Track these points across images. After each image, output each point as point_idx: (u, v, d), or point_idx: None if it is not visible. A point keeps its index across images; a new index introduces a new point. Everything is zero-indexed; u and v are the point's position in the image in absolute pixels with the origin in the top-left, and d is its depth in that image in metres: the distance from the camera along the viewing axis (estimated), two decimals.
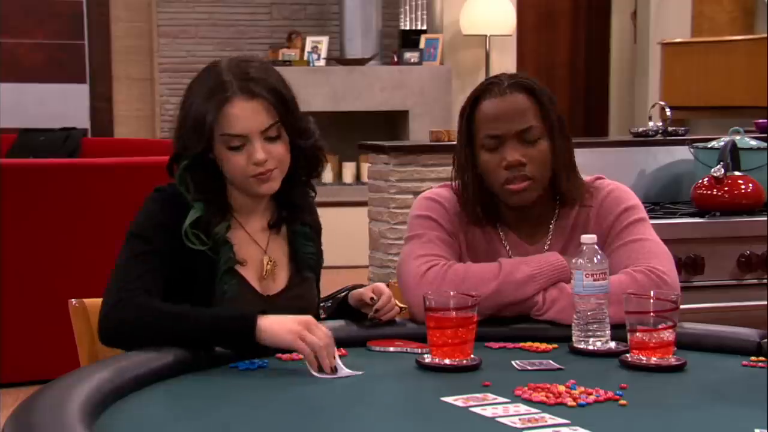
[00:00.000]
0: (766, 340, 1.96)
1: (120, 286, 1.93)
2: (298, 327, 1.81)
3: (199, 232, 1.99)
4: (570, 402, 1.60)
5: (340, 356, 1.82)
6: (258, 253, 2.09)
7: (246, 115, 1.99)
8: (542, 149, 2.15)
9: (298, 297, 2.10)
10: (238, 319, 1.86)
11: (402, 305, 2.12)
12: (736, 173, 3.53)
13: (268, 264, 2.09)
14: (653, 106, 4.92)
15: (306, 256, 2.14)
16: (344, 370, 1.79)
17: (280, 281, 2.10)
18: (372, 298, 2.06)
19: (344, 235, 6.43)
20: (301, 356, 1.84)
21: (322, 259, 2.20)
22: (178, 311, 1.89)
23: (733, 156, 3.57)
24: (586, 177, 2.25)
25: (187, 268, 1.99)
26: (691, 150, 3.80)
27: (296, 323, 1.82)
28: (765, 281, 3.42)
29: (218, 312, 1.92)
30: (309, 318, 1.85)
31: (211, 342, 1.86)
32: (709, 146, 3.75)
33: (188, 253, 1.99)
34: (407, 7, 8.14)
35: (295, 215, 2.14)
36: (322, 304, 2.19)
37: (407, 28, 8.17)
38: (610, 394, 1.65)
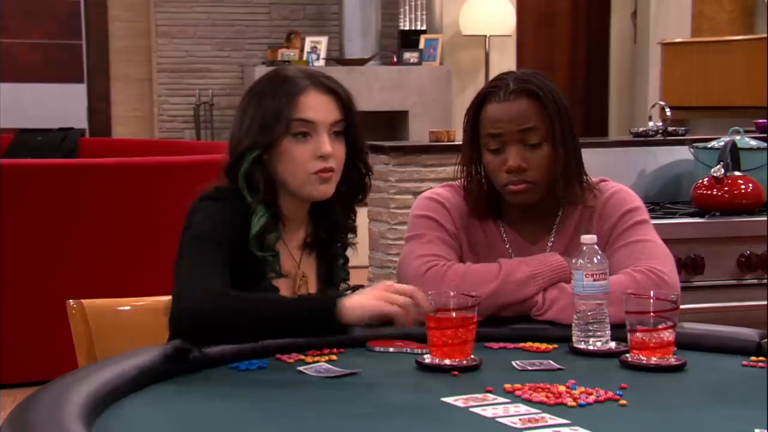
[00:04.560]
0: (766, 340, 1.95)
1: (200, 278, 1.85)
2: (380, 293, 1.79)
3: (267, 235, 1.98)
4: (570, 402, 1.60)
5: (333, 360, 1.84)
6: (292, 267, 2.09)
7: (318, 105, 2.01)
8: (544, 154, 2.14)
9: None
10: (320, 300, 1.86)
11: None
12: (736, 173, 3.53)
13: (301, 280, 2.09)
14: (653, 106, 4.92)
15: (340, 281, 2.15)
16: (340, 370, 1.79)
17: None
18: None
19: None
20: (300, 356, 1.85)
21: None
22: (266, 297, 1.88)
23: (733, 156, 3.56)
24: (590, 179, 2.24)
25: (236, 274, 1.94)
26: (691, 150, 3.79)
27: (377, 290, 1.80)
28: (765, 281, 3.42)
29: (300, 297, 1.92)
30: (383, 283, 1.84)
31: (297, 326, 1.83)
32: (709, 146, 3.75)
33: (240, 258, 1.96)
34: (407, 8, 8.14)
35: (333, 235, 2.12)
36: None
37: (407, 28, 8.17)
38: (610, 394, 1.64)
